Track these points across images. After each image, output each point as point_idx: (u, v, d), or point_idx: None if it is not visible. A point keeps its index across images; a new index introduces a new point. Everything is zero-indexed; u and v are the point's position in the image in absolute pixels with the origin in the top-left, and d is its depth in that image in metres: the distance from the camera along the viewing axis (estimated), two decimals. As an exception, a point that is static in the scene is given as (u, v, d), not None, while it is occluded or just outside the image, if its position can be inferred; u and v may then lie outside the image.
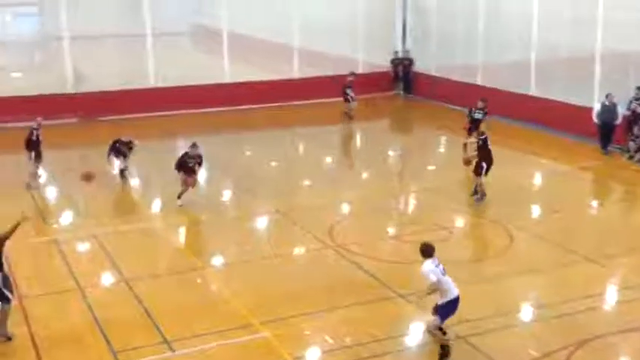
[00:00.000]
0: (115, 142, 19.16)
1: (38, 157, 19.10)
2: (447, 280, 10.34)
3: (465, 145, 21.12)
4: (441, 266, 10.38)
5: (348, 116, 26.33)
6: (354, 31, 30.39)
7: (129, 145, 19.21)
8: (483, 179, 17.13)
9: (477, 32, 27.43)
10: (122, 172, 19.28)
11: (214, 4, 28.89)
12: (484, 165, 16.95)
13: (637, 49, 21.67)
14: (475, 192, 17.36)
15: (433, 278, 10.17)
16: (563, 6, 24.17)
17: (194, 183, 17.14)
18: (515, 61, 26.35)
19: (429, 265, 10.26)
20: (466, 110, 21.68)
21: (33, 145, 19.02)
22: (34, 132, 19.13)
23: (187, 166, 16.89)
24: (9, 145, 22.90)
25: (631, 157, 20.61)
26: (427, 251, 10.41)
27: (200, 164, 17.09)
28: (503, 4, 26.95)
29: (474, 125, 21.01)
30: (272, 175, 20.35)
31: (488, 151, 17.12)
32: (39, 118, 19.40)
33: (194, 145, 17.04)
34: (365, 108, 26.64)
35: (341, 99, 26.55)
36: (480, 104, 21.37)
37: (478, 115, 21.13)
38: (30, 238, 15.02)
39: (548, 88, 24.54)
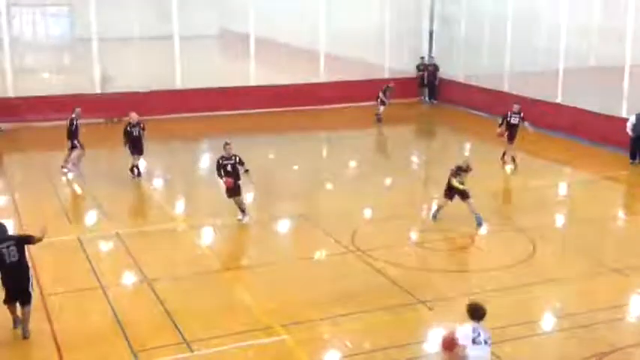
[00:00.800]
0: (126, 127, 19.36)
1: (74, 146, 19.81)
2: (475, 356, 8.67)
3: (504, 154, 20.85)
4: (480, 335, 8.75)
5: (378, 119, 26.39)
6: (381, 37, 30.40)
7: (141, 126, 19.33)
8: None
9: (505, 40, 27.29)
10: (135, 168, 19.36)
11: (242, 9, 29.03)
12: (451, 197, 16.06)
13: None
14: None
15: (461, 342, 8.70)
16: (593, 16, 23.99)
17: (238, 190, 15.84)
18: (542, 70, 26.18)
19: (465, 330, 8.79)
20: (499, 117, 21.17)
21: (72, 134, 19.71)
22: (74, 121, 19.75)
23: (227, 169, 15.78)
24: (36, 143, 23.23)
25: None
26: (472, 314, 8.92)
27: (241, 163, 15.82)
28: (531, 13, 26.77)
29: (512, 131, 20.62)
30: (295, 179, 20.37)
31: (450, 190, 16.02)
32: (78, 109, 20.00)
33: (227, 144, 15.94)
34: (389, 113, 26.59)
35: (371, 103, 26.77)
36: (515, 107, 20.79)
37: (514, 120, 20.64)
38: (53, 237, 15.16)
39: (575, 97, 24.35)
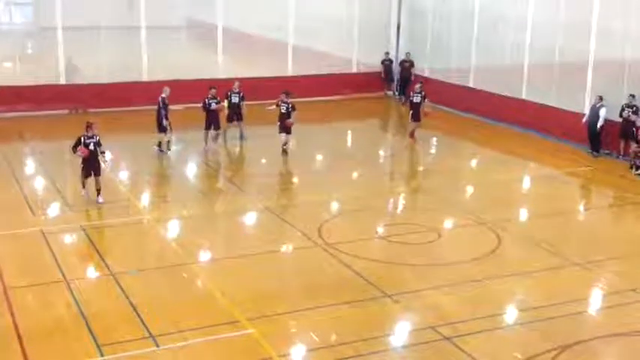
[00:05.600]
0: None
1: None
2: None
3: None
4: None
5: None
6: (349, 31, 30.42)
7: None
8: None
9: (472, 36, 27.49)
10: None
11: (210, 0, 28.86)
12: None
13: (631, 56, 21.75)
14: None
15: None
16: (558, 12, 24.22)
17: (98, 170, 16.69)
18: (507, 65, 26.41)
19: None
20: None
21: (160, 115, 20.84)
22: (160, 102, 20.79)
23: (88, 147, 16.42)
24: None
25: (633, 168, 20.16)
26: None
27: (100, 144, 16.52)
28: (497, 9, 26.95)
29: (413, 109, 22.95)
30: (262, 172, 20.33)
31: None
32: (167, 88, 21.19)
33: (91, 124, 16.62)
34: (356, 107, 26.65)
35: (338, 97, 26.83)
36: (416, 87, 23.32)
37: (416, 99, 22.87)
38: (17, 229, 14.98)
39: (540, 93, 24.62)
